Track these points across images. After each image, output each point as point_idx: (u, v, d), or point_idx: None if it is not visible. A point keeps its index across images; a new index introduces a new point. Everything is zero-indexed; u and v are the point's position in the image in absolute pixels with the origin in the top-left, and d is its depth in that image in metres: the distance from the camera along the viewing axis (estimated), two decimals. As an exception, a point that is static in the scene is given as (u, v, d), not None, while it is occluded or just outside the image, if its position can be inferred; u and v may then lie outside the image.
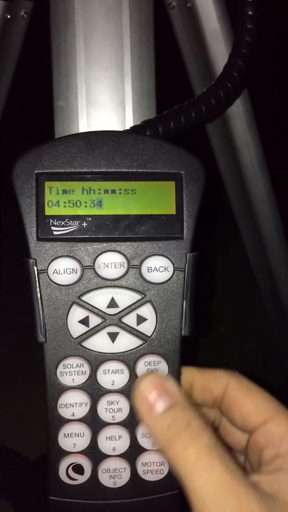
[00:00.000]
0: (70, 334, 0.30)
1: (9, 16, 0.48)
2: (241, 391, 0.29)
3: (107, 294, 0.30)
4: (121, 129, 0.35)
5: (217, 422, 0.32)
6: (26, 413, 1.02)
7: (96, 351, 0.30)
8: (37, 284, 0.30)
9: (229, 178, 0.58)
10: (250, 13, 0.36)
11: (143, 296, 0.30)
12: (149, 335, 0.30)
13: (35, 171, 0.30)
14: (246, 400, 0.29)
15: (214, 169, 0.56)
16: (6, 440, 0.95)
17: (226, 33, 0.49)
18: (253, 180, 0.56)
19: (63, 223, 0.30)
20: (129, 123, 0.35)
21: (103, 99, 0.35)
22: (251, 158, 0.55)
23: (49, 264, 0.30)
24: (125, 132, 0.33)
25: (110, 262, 0.30)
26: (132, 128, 0.34)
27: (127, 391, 0.30)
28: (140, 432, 0.30)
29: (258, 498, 0.23)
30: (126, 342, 0.30)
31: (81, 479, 0.30)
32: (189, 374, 0.31)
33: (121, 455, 0.30)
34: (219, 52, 0.49)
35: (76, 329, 0.30)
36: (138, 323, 0.30)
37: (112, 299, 0.30)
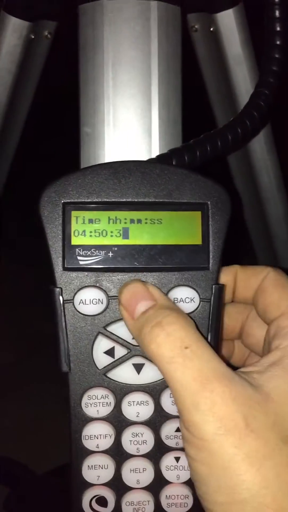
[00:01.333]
0: (95, 364, 0.30)
1: (33, 37, 0.49)
2: (273, 283, 0.30)
3: (133, 325, 0.30)
4: (147, 157, 0.35)
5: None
6: (32, 422, 1.02)
7: (121, 382, 0.30)
8: (63, 314, 0.30)
9: (246, 200, 0.58)
10: (278, 42, 0.36)
11: None
12: None
13: (62, 201, 0.30)
14: (274, 291, 0.30)
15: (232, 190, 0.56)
16: (12, 449, 0.95)
17: (248, 57, 0.49)
18: (271, 202, 0.56)
19: (89, 252, 0.30)
20: (155, 151, 0.35)
21: (130, 126, 0.35)
22: (269, 180, 0.55)
23: (75, 294, 0.30)
24: (152, 162, 0.33)
25: (136, 293, 0.30)
26: (158, 156, 0.34)
27: (152, 423, 0.30)
28: (164, 465, 0.30)
29: (236, 388, 0.24)
30: (151, 374, 0.30)
31: (104, 511, 0.30)
32: (232, 271, 0.32)
33: (145, 488, 0.30)
34: (241, 76, 0.49)
35: (102, 360, 0.30)
36: (164, 355, 0.30)
37: (138, 330, 0.30)
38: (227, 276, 0.32)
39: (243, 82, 0.50)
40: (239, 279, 0.32)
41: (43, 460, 0.93)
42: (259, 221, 0.57)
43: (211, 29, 0.49)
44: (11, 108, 0.51)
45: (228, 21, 0.47)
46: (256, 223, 0.58)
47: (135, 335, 0.28)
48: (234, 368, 0.26)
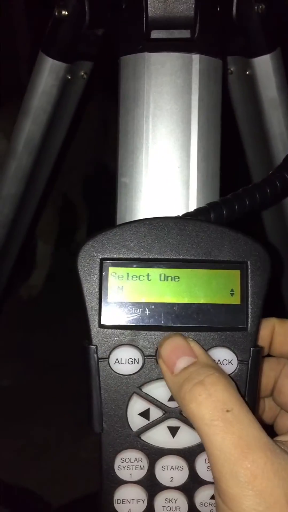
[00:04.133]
0: (129, 426, 0.29)
1: (69, 77, 0.49)
2: None
3: (169, 386, 0.29)
4: (185, 210, 0.35)
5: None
6: (45, 444, 1.02)
7: (155, 445, 0.29)
8: (97, 373, 0.29)
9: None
10: None
11: None
12: None
13: (100, 257, 0.30)
14: None
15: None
16: (21, 475, 0.94)
17: (284, 102, 0.49)
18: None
19: (126, 310, 0.30)
20: (192, 204, 0.35)
21: (168, 178, 0.35)
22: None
23: (110, 352, 0.29)
24: (190, 217, 0.33)
25: (173, 352, 0.29)
26: (196, 210, 0.34)
27: (186, 488, 0.29)
28: None
29: (278, 461, 0.23)
30: (186, 437, 0.29)
31: None
32: (270, 324, 0.31)
33: None
34: (276, 120, 0.49)
35: (136, 421, 0.29)
36: (199, 419, 0.29)
37: (174, 392, 0.29)
38: (264, 329, 0.31)
39: (278, 126, 0.49)
40: (276, 333, 0.31)
41: (55, 486, 0.93)
42: None
43: (247, 72, 0.49)
44: (44, 146, 0.52)
45: (264, 66, 0.47)
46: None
47: (173, 391, 0.27)
48: (264, 426, 0.25)
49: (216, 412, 0.24)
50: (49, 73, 0.48)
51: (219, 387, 0.25)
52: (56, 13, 0.44)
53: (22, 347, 1.23)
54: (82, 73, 0.51)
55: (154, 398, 0.29)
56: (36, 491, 0.87)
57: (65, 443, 1.03)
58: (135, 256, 0.30)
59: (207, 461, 0.29)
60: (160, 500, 0.29)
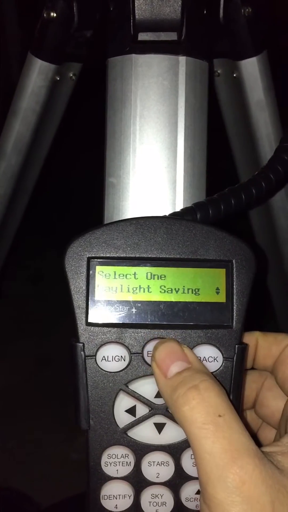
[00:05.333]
0: (116, 423, 0.29)
1: (58, 78, 0.50)
2: None
3: (155, 383, 0.30)
4: (171, 210, 0.35)
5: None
6: (35, 447, 1.01)
7: (141, 442, 0.29)
8: (84, 370, 0.29)
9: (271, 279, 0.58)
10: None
11: None
12: None
13: (87, 255, 0.30)
14: None
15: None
16: (14, 476, 0.94)
17: (270, 104, 0.49)
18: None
19: (112, 308, 0.30)
20: (179, 204, 0.36)
21: (155, 178, 0.36)
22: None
23: (97, 350, 0.29)
24: (176, 216, 0.33)
25: (159, 350, 0.30)
26: (183, 210, 0.34)
27: (172, 484, 0.29)
28: None
29: (266, 469, 0.23)
30: (172, 434, 0.29)
31: None
32: (253, 337, 0.32)
33: None
34: (262, 121, 0.50)
35: (123, 418, 0.29)
36: (185, 415, 0.30)
37: (160, 389, 0.30)
38: (247, 342, 0.31)
39: (264, 127, 0.50)
40: (260, 346, 0.32)
41: (46, 487, 0.92)
42: (280, 282, 0.57)
43: (234, 75, 0.50)
44: (33, 146, 0.52)
45: (251, 68, 0.48)
46: (277, 283, 0.58)
47: (165, 394, 0.27)
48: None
49: (209, 416, 0.24)
50: (38, 74, 0.48)
51: (212, 393, 0.25)
52: (44, 15, 0.45)
53: (11, 346, 1.23)
54: (71, 74, 0.52)
55: (141, 395, 0.29)
56: (26, 492, 0.87)
57: (55, 445, 1.03)
58: (122, 255, 0.30)
59: (192, 457, 0.29)
60: (146, 496, 0.29)
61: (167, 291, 0.30)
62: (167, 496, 0.29)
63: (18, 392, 1.12)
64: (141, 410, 0.29)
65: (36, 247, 1.43)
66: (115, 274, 0.30)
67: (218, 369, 0.30)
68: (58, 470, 0.98)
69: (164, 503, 0.29)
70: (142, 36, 0.36)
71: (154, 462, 0.29)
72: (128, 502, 0.29)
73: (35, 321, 1.30)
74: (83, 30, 0.45)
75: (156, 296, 0.30)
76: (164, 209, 0.36)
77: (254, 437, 0.34)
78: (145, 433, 0.29)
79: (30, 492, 0.87)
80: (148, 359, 0.30)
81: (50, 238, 1.37)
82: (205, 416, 0.24)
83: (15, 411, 1.08)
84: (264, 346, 0.31)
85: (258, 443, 0.25)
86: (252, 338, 0.32)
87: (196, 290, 0.31)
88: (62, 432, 1.02)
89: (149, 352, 0.30)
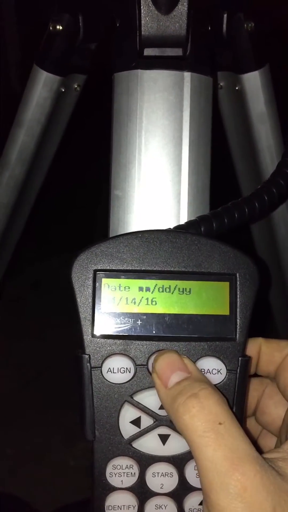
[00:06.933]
0: (121, 434, 0.30)
1: (63, 90, 0.50)
2: None
3: (160, 395, 0.30)
4: (176, 223, 0.36)
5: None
6: (34, 451, 1.01)
7: (146, 453, 0.30)
8: (90, 381, 0.30)
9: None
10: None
11: None
12: None
13: (93, 268, 0.30)
14: None
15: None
16: (10, 482, 0.94)
17: (272, 117, 0.50)
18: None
19: (118, 320, 0.31)
20: (183, 217, 0.36)
21: (160, 192, 0.36)
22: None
23: (103, 361, 0.30)
24: (181, 230, 0.34)
25: (164, 362, 0.30)
26: (187, 223, 0.35)
27: (175, 495, 0.30)
28: None
29: (267, 475, 0.23)
30: (177, 445, 0.30)
31: None
32: (257, 344, 0.32)
33: None
34: (264, 134, 0.51)
35: (128, 429, 0.30)
36: (189, 427, 0.30)
37: (164, 400, 0.30)
38: (251, 348, 0.32)
39: (265, 140, 0.51)
40: (262, 353, 0.32)
41: (44, 494, 0.92)
42: (281, 292, 0.57)
43: (237, 88, 0.50)
44: (37, 156, 0.53)
45: (253, 81, 0.49)
46: (278, 294, 0.59)
47: (166, 404, 0.28)
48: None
49: (209, 424, 0.25)
50: (43, 85, 0.49)
51: (212, 401, 0.26)
52: (50, 28, 0.45)
53: (6, 354, 1.23)
54: (76, 86, 0.52)
55: (145, 407, 0.30)
56: (24, 499, 0.87)
57: (54, 451, 1.03)
58: (128, 268, 0.31)
59: (195, 468, 0.30)
60: (151, 507, 0.30)
61: (172, 304, 0.31)
62: (171, 507, 0.30)
63: (14, 400, 1.12)
64: (146, 421, 0.30)
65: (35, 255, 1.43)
66: (120, 286, 0.31)
67: (222, 381, 0.30)
68: (56, 477, 0.98)
69: (168, 513, 0.30)
70: (148, 52, 0.36)
71: (158, 473, 0.30)
72: None
73: (33, 326, 1.30)
74: (88, 42, 0.46)
75: (161, 308, 0.31)
76: (168, 222, 0.36)
77: (255, 444, 0.34)
78: (149, 444, 0.30)
79: (27, 498, 0.87)
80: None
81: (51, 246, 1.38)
82: (206, 424, 0.25)
83: (13, 417, 1.08)
84: (267, 352, 0.32)
85: (259, 450, 0.25)
86: (255, 345, 0.32)
87: (200, 303, 0.31)
88: (60, 440, 1.02)
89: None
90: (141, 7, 0.36)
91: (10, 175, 0.53)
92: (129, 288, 0.31)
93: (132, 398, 0.30)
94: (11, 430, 1.04)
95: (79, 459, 1.00)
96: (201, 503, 0.30)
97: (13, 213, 0.57)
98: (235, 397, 0.30)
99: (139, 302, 0.31)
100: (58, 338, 1.10)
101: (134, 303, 0.31)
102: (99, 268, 0.31)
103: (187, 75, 0.36)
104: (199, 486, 0.30)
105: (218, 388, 0.30)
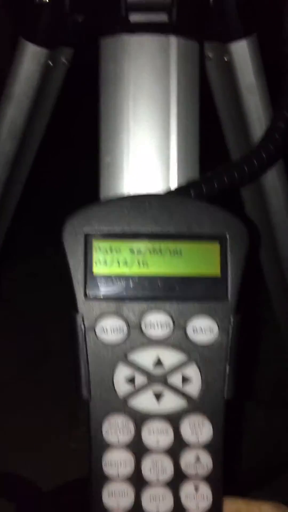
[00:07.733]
0: (116, 392, 0.30)
1: (51, 64, 0.50)
2: None
3: (153, 354, 0.30)
4: (165, 187, 0.36)
5: None
6: (31, 437, 1.02)
7: (141, 411, 0.30)
8: (84, 341, 0.30)
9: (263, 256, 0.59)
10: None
11: (189, 356, 0.30)
12: (194, 396, 0.30)
13: (84, 231, 0.31)
14: None
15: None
16: (12, 465, 0.95)
17: (261, 87, 0.50)
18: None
19: (110, 282, 0.31)
20: (173, 181, 0.36)
21: (149, 157, 0.36)
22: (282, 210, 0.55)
23: (96, 322, 0.30)
24: (171, 195, 0.34)
25: (156, 322, 0.31)
26: (177, 188, 0.35)
27: (171, 451, 0.30)
28: (184, 493, 0.30)
29: None
30: (171, 402, 0.30)
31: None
32: (235, 506, 0.31)
33: None
34: (253, 105, 0.50)
35: (122, 388, 0.30)
36: (183, 384, 0.30)
37: (158, 359, 0.30)
38: (228, 510, 0.31)
39: (255, 110, 0.51)
40: None
41: (47, 476, 0.93)
42: (278, 279, 0.58)
43: (225, 58, 0.50)
44: (28, 132, 0.52)
45: (241, 51, 0.49)
46: (276, 285, 0.59)
47: None
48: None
49: None
50: (30, 59, 0.48)
51: None
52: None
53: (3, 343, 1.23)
54: (64, 60, 0.52)
55: (140, 365, 0.30)
56: (26, 477, 0.88)
57: (54, 434, 1.03)
58: (119, 230, 0.31)
59: (191, 424, 0.30)
60: (147, 463, 0.30)
61: (163, 265, 0.31)
62: (167, 463, 0.30)
63: (16, 385, 1.13)
64: (140, 380, 0.30)
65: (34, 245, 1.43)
66: (112, 248, 0.31)
67: (215, 339, 0.31)
68: (57, 460, 0.99)
69: (164, 469, 0.30)
70: (134, 17, 0.36)
71: (153, 430, 0.30)
72: (129, 469, 0.30)
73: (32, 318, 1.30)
74: (75, 13, 0.45)
75: (152, 270, 0.31)
76: (158, 187, 0.36)
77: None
78: (144, 402, 0.30)
79: (29, 478, 0.88)
80: (145, 331, 0.30)
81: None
82: None
83: (14, 404, 1.08)
84: None
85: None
86: (233, 507, 0.31)
87: (192, 264, 0.31)
88: (60, 422, 1.02)
89: (146, 324, 0.30)
90: (126, -29, 0.36)
91: (1, 151, 0.53)
92: (120, 250, 0.31)
93: (126, 357, 0.30)
94: (10, 415, 1.05)
95: (80, 442, 1.01)
96: (197, 458, 0.30)
97: (5, 192, 0.57)
98: (229, 355, 0.31)
99: (130, 264, 0.31)
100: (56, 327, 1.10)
101: (126, 265, 0.31)
102: (90, 230, 0.31)
103: (173, 39, 0.36)
104: (194, 442, 0.30)
105: (211, 348, 0.30)
